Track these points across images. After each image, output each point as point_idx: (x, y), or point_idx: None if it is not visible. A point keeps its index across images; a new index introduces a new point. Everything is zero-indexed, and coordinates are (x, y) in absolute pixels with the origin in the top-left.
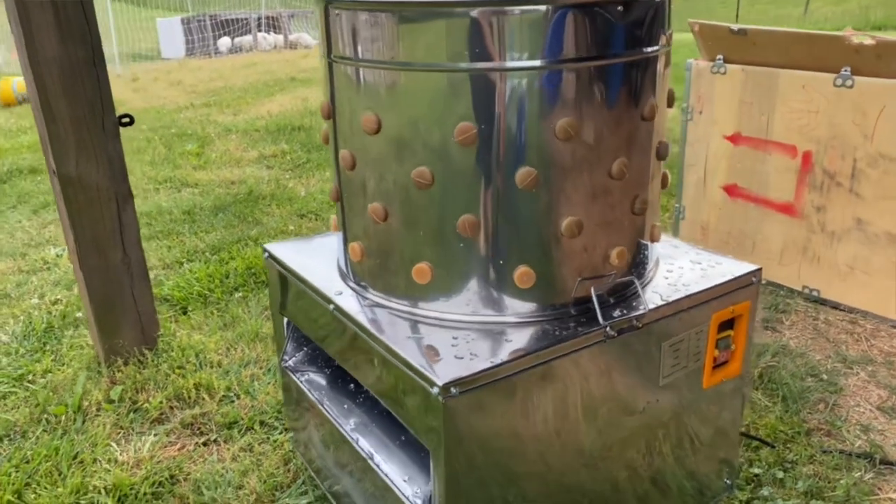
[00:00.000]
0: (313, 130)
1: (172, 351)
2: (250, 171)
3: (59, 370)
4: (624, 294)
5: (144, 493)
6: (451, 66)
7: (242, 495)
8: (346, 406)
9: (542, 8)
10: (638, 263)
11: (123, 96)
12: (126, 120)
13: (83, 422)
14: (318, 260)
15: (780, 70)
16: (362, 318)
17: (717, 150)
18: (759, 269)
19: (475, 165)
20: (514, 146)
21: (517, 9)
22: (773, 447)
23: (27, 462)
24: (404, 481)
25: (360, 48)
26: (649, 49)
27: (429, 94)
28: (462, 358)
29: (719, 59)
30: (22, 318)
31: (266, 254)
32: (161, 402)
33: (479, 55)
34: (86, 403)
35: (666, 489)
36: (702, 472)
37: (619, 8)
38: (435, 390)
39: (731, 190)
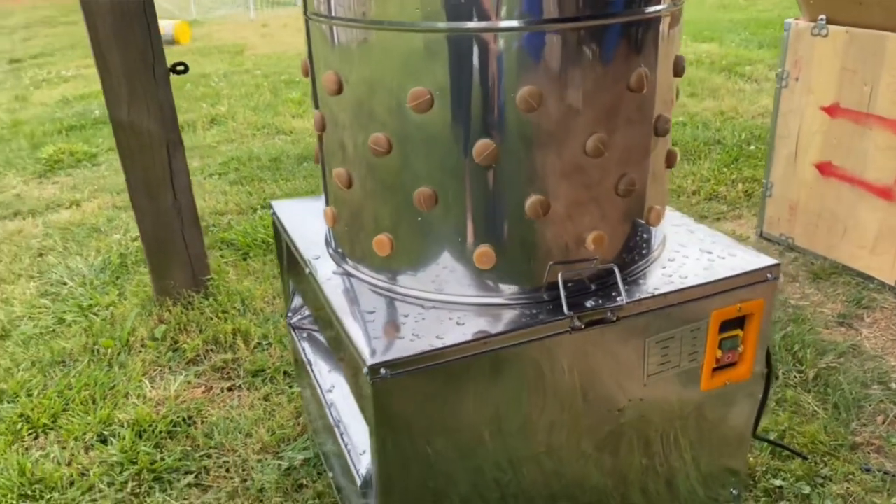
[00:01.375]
0: None
1: (220, 295)
2: None
3: (120, 305)
4: (607, 282)
5: (160, 431)
6: (407, 24)
7: (249, 443)
8: (329, 370)
9: None
10: (628, 249)
11: (250, 41)
12: (181, 68)
13: (126, 356)
14: (314, 222)
15: (889, 34)
16: (327, 286)
17: (811, 122)
18: (777, 265)
19: (431, 135)
20: (472, 116)
21: None
22: (805, 459)
23: (69, 389)
24: (360, 454)
25: (328, 4)
26: (635, 12)
27: (385, 56)
28: (403, 338)
29: (822, 20)
30: (104, 252)
31: (272, 210)
32: (198, 345)
33: (434, 15)
34: (132, 339)
35: (658, 496)
36: (702, 481)
37: None
38: (365, 370)
39: (824, 168)
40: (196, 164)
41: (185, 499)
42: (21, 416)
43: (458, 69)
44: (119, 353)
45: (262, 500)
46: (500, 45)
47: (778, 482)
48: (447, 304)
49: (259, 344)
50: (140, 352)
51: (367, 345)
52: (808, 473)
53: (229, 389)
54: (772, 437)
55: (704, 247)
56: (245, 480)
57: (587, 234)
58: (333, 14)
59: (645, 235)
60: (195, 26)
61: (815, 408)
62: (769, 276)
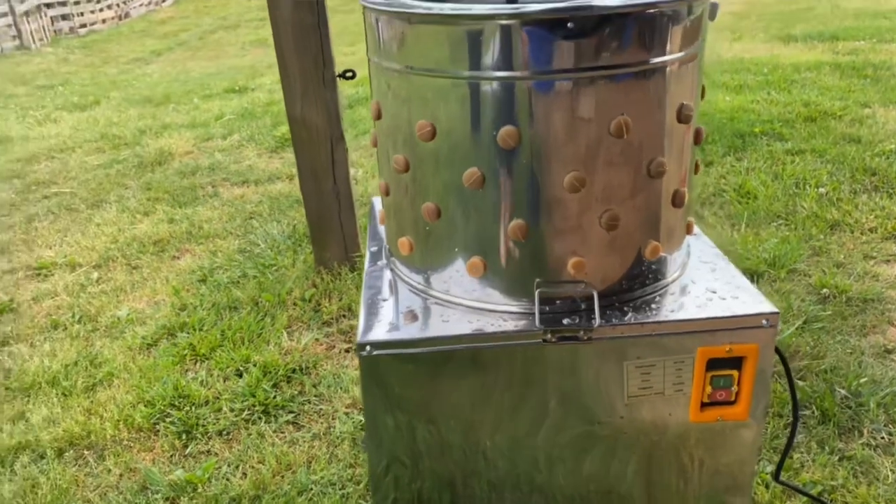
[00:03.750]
0: None
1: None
2: None
3: (290, 268)
4: (594, 304)
5: (281, 375)
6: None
7: (343, 397)
8: None
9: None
10: (625, 278)
11: None
12: (349, 74)
13: (278, 310)
14: None
15: None
16: (366, 274)
17: None
18: (776, 314)
19: (436, 160)
20: (458, 148)
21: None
22: None
23: (229, 329)
24: None
25: (380, 48)
26: (615, 65)
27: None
28: (396, 325)
29: None
30: (295, 222)
31: (371, 206)
32: (334, 309)
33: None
34: (287, 297)
35: None
36: None
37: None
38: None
39: None
40: (353, 157)
41: (280, 432)
42: (189, 345)
43: (453, 109)
44: (274, 307)
45: (335, 445)
46: (480, 90)
47: None
48: (447, 303)
49: None
50: (289, 309)
51: (364, 323)
52: None
53: (346, 351)
54: (815, 490)
55: (713, 285)
56: (329, 427)
57: (568, 259)
58: (377, 57)
59: (643, 268)
60: None
61: (890, 473)
62: (765, 322)
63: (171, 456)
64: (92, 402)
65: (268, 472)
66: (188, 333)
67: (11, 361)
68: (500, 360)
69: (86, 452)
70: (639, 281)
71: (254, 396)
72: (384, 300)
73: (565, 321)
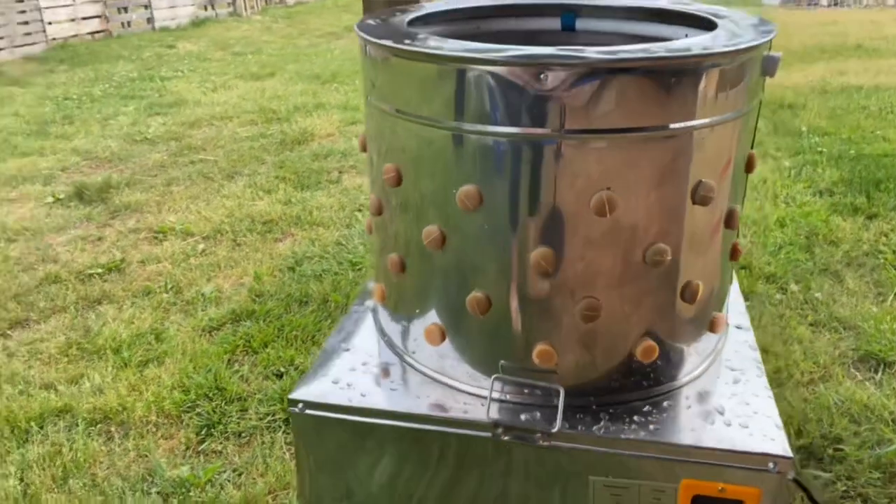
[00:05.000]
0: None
1: None
2: None
3: (370, 270)
4: (572, 403)
5: None
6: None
7: None
8: None
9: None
10: (609, 377)
11: None
12: None
13: (340, 313)
14: None
15: None
16: (348, 314)
17: None
18: (789, 459)
19: (401, 209)
20: (421, 200)
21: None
22: None
23: (288, 325)
24: None
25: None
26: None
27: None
28: (338, 383)
29: None
30: None
31: None
32: None
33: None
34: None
35: None
36: None
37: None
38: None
39: None
40: None
41: (291, 446)
42: (246, 335)
43: (416, 157)
44: (338, 309)
45: None
46: (452, 145)
47: None
48: (410, 367)
49: None
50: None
51: (308, 375)
52: None
53: None
54: None
55: (725, 402)
56: None
57: (534, 345)
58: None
59: (633, 369)
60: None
61: None
62: (771, 465)
63: (186, 450)
64: (139, 378)
65: (263, 488)
66: (251, 323)
67: (96, 322)
68: (446, 447)
69: (114, 429)
70: (626, 384)
71: (281, 403)
72: (346, 350)
73: (523, 417)
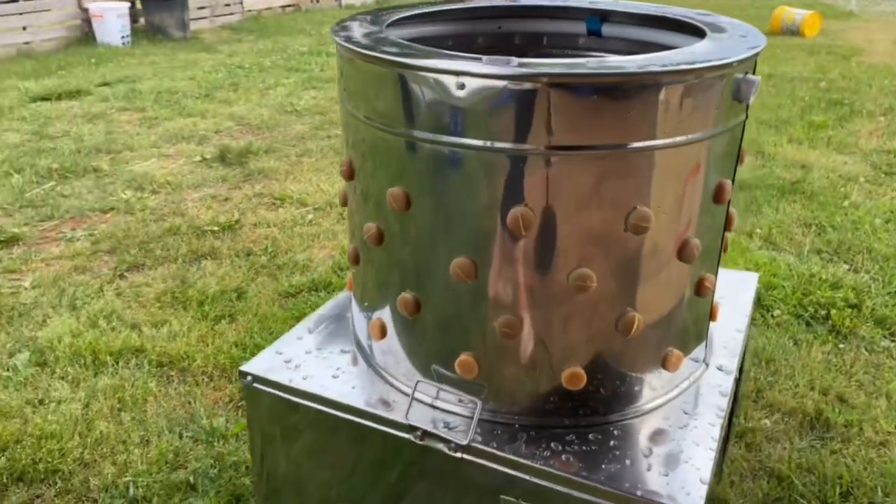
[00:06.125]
0: None
1: None
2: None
3: None
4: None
5: None
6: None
7: None
8: None
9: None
10: (533, 397)
11: (874, 45)
12: None
13: None
14: None
15: None
16: (332, 298)
17: None
18: None
19: (352, 200)
20: (363, 195)
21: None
22: None
23: None
24: None
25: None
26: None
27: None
28: (289, 363)
29: None
30: None
31: None
32: None
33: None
34: None
35: None
36: None
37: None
38: None
39: None
40: None
41: None
42: (314, 305)
43: (360, 152)
44: None
45: None
46: (383, 144)
47: None
48: (360, 357)
49: None
50: None
51: (268, 350)
52: None
53: None
54: None
55: (654, 447)
56: None
57: (457, 355)
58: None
59: (559, 395)
60: (846, 19)
61: None
62: None
63: (228, 403)
64: (210, 331)
65: None
66: (325, 294)
67: (194, 274)
68: (370, 442)
69: (174, 374)
70: (555, 408)
71: None
72: (314, 331)
73: (441, 424)
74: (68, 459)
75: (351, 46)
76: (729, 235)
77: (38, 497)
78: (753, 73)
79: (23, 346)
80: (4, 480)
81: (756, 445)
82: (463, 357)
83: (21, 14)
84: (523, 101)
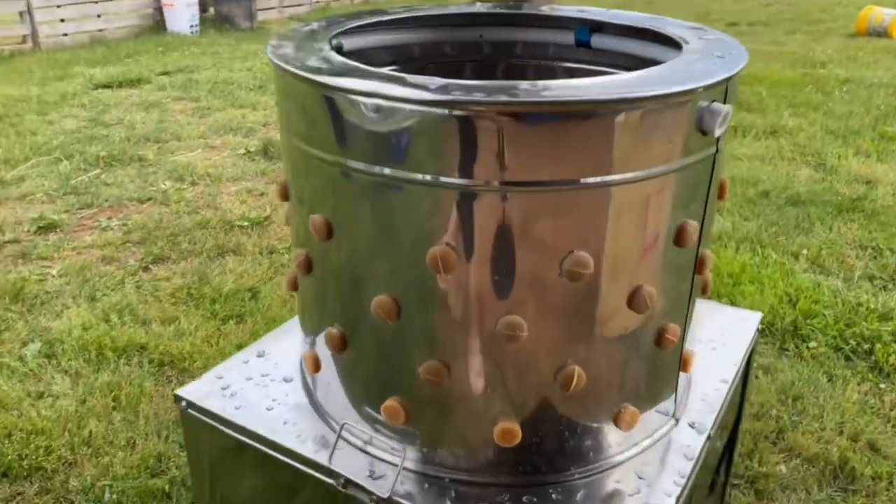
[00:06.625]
0: None
1: None
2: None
3: None
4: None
5: None
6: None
7: None
8: None
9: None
10: (464, 450)
11: None
12: None
13: None
14: None
15: None
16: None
17: None
18: None
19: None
20: (293, 218)
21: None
22: None
23: None
24: None
25: None
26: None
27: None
28: (226, 391)
29: None
30: None
31: None
32: None
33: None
34: None
35: None
36: None
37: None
38: None
39: None
40: None
41: None
42: None
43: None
44: None
45: None
46: (304, 167)
47: None
48: (304, 392)
49: None
50: None
51: (207, 375)
52: None
53: None
54: None
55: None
56: None
57: (384, 398)
58: None
59: (495, 448)
60: None
61: None
62: None
63: None
64: (216, 330)
65: None
66: None
67: (214, 271)
68: (296, 481)
69: (173, 374)
70: (489, 465)
71: None
72: (259, 356)
73: (365, 472)
74: (53, 458)
75: (271, 56)
76: (702, 279)
77: (18, 494)
78: (725, 100)
79: (36, 337)
80: None
81: (768, 493)
82: (389, 402)
83: (97, 2)
84: (442, 130)
